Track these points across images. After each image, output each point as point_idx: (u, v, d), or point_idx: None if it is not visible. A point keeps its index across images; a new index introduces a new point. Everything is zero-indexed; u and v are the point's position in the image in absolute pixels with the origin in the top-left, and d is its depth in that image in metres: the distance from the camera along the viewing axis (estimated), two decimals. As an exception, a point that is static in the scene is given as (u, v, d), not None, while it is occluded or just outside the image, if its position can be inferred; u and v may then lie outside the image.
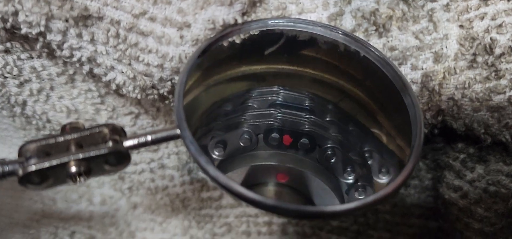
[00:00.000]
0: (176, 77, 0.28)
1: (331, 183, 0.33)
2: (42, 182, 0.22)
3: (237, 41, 0.28)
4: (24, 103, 0.33)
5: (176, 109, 0.24)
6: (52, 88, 0.33)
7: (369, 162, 0.32)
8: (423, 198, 0.36)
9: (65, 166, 0.22)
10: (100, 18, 0.27)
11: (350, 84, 0.32)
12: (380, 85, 0.29)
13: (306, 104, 0.34)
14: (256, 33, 0.28)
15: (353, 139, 0.33)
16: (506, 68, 0.27)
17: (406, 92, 0.26)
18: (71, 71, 0.33)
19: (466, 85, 0.27)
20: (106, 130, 0.23)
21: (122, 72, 0.29)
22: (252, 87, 0.34)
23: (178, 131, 0.23)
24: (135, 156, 0.38)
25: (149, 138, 0.23)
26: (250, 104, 0.33)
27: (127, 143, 0.23)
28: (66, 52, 0.28)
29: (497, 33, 0.28)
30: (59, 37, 0.28)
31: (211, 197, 0.39)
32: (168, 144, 0.38)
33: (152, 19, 0.27)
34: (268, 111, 0.33)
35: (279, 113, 0.33)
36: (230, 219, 0.40)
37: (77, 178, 0.22)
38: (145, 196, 0.40)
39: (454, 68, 0.28)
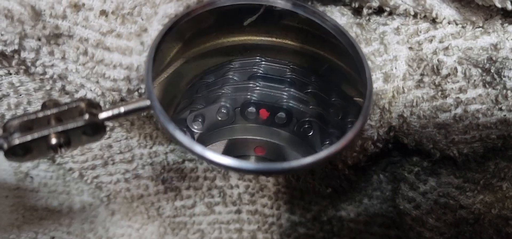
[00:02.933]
0: (143, 86, 0.30)
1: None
2: (25, 154, 0.24)
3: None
4: (2, 116, 0.35)
5: (146, 81, 0.25)
6: (29, 102, 0.35)
7: None
8: (384, 208, 0.38)
9: (46, 138, 0.24)
10: (71, 36, 0.29)
11: (331, 54, 0.32)
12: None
13: (287, 76, 0.33)
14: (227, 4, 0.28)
15: (334, 111, 0.32)
16: (452, 88, 0.29)
17: (359, 59, 0.27)
18: (47, 87, 0.34)
19: (414, 104, 0.29)
20: (82, 104, 0.25)
21: (91, 90, 0.30)
22: (234, 58, 0.33)
23: (148, 102, 0.24)
24: (110, 167, 0.39)
25: (122, 109, 0.25)
26: (230, 76, 0.33)
27: (102, 115, 0.25)
28: (39, 69, 0.30)
29: (444, 55, 0.30)
30: (32, 55, 0.29)
31: (184, 205, 0.41)
32: (142, 155, 0.39)
33: (119, 36, 0.28)
34: (246, 85, 0.33)
35: (258, 86, 0.33)
36: (203, 226, 0.41)
37: (58, 149, 0.24)
38: (122, 204, 0.41)
39: (403, 87, 0.29)
